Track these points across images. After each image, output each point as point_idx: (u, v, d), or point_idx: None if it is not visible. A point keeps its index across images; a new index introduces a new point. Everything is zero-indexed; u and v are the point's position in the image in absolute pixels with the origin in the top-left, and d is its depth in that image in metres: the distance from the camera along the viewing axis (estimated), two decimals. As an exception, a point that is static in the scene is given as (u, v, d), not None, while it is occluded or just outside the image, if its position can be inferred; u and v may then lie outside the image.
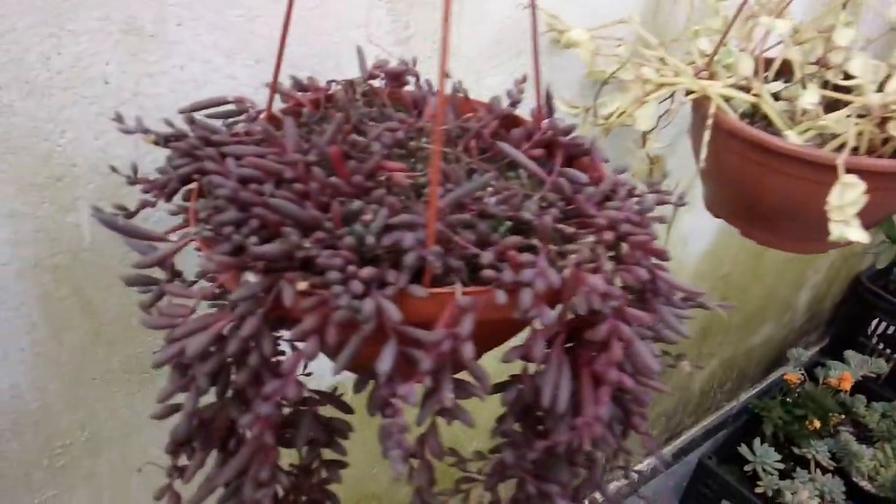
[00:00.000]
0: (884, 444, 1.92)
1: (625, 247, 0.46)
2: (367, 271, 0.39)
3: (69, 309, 0.71)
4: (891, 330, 2.24)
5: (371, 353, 0.39)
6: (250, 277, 0.41)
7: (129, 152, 0.66)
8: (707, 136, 0.76)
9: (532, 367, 0.46)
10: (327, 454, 0.51)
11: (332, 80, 0.62)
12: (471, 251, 0.42)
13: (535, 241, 0.44)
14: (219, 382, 0.43)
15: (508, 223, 0.47)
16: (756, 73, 0.81)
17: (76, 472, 0.82)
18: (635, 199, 0.49)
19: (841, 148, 0.71)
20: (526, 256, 0.41)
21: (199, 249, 0.46)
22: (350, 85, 0.61)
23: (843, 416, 1.96)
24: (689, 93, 0.81)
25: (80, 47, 0.60)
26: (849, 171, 0.67)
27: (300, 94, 0.61)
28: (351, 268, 0.39)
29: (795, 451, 1.92)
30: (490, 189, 0.47)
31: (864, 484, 1.88)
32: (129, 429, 0.83)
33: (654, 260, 0.46)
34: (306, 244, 0.40)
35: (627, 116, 0.82)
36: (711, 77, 0.83)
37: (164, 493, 0.51)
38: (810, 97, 0.77)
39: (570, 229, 0.46)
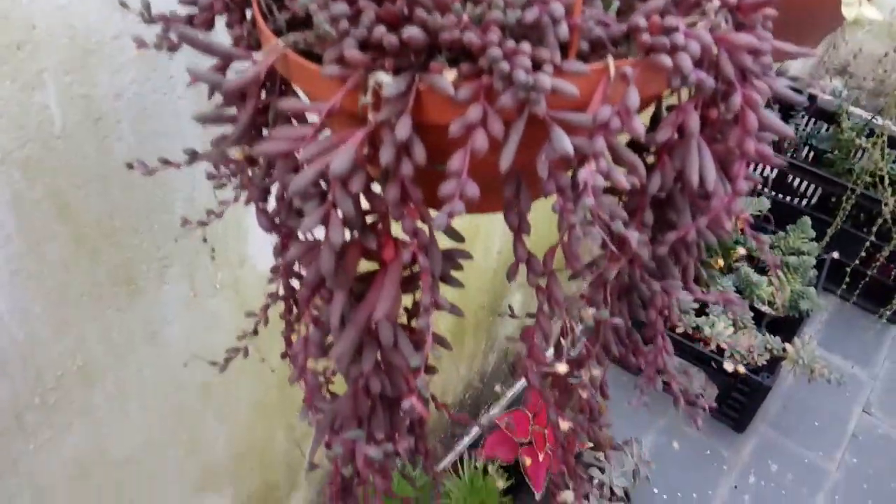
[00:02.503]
0: (776, 271, 2.13)
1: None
2: (527, 47, 0.35)
3: (46, 214, 0.60)
4: (767, 171, 2.45)
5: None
6: (383, 78, 0.35)
7: (99, 3, 0.55)
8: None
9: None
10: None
11: None
12: (615, 26, 0.39)
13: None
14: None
15: (617, 2, 0.43)
16: None
17: (71, 408, 0.72)
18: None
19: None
20: (670, 20, 0.39)
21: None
22: None
23: (741, 253, 2.14)
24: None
25: None
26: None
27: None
28: (510, 43, 0.35)
29: (705, 291, 2.09)
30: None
31: (765, 309, 2.09)
32: (121, 350, 0.74)
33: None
34: (446, 23, 0.35)
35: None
36: None
37: (298, 346, 0.45)
38: None
39: None
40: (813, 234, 2.14)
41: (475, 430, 1.79)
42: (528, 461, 1.50)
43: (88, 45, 0.56)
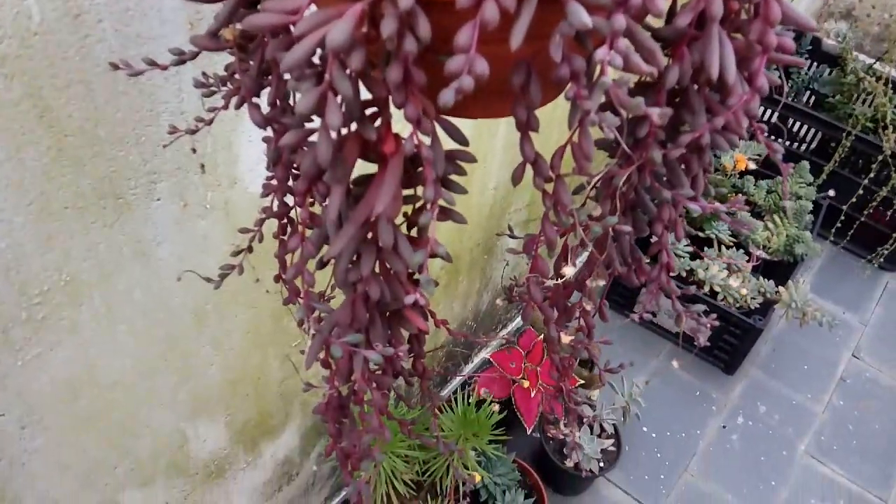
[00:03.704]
0: (772, 215, 2.12)
1: None
2: None
3: (25, 117, 0.57)
4: (767, 115, 2.42)
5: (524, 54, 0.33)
6: (385, -56, 0.32)
7: None
8: None
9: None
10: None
11: None
12: None
13: None
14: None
15: None
16: None
17: (58, 325, 0.70)
18: None
19: None
20: None
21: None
22: None
23: (737, 196, 2.13)
24: None
25: None
26: None
27: None
28: None
29: (700, 235, 2.08)
30: None
31: (760, 253, 2.08)
32: (109, 267, 0.72)
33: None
34: None
35: None
36: None
37: (291, 244, 0.43)
38: None
39: None
40: (811, 178, 2.12)
41: (468, 368, 1.80)
42: (520, 395, 1.51)
43: (66, -69, 0.52)
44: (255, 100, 0.45)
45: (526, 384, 1.50)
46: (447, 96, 0.31)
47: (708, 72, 0.39)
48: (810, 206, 2.06)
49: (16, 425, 0.73)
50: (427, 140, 0.38)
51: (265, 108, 0.45)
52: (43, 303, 0.67)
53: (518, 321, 1.95)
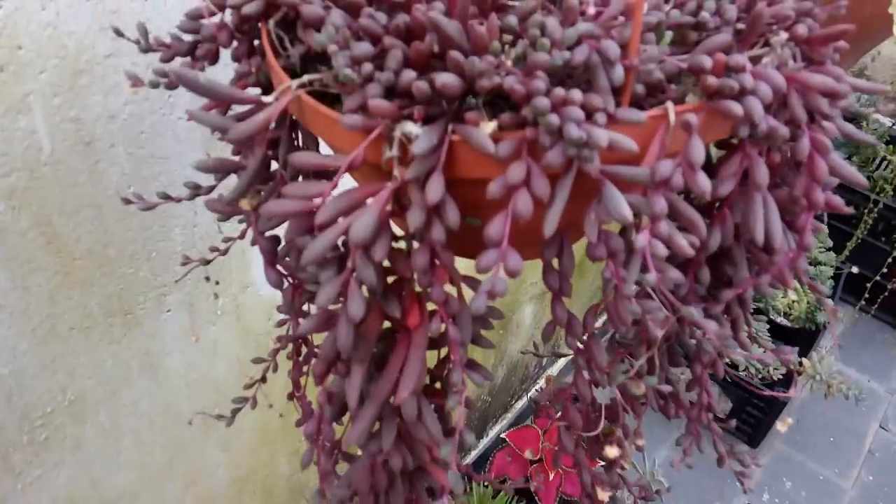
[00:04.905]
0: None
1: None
2: (577, 95, 0.30)
3: (32, 245, 0.55)
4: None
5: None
6: (412, 129, 0.30)
7: (87, 23, 0.50)
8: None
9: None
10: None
11: None
12: (671, 62, 0.34)
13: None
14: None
15: (669, 32, 0.38)
16: None
17: (62, 445, 0.68)
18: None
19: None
20: (736, 59, 0.34)
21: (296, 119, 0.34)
22: None
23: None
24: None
25: None
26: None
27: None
28: (558, 91, 0.30)
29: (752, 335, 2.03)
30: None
31: (781, 320, 2.03)
32: (116, 384, 0.69)
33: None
34: (484, 68, 0.30)
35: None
36: None
37: (312, 431, 0.40)
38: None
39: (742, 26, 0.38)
40: (830, 243, 2.08)
41: (481, 445, 1.74)
42: (538, 480, 1.46)
43: (79, 65, 0.51)
44: (269, 257, 0.42)
45: (543, 467, 1.45)
46: (479, 304, 0.28)
47: (752, 236, 0.37)
48: (831, 273, 2.02)
49: (14, 548, 0.69)
50: (454, 300, 0.35)
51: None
52: (46, 424, 0.65)
53: (530, 394, 1.90)
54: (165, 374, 0.74)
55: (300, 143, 0.44)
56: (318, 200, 0.31)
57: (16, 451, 0.63)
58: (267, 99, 0.33)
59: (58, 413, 0.65)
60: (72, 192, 0.56)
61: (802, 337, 2.00)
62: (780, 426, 0.55)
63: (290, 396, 0.58)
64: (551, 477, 1.46)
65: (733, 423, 0.59)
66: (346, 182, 0.33)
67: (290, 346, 0.55)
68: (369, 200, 0.31)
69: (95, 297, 0.62)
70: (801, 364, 1.99)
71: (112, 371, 0.68)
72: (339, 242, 0.32)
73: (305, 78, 0.32)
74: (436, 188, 0.29)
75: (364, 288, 0.31)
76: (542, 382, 1.95)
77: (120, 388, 0.70)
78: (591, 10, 0.31)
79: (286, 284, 0.43)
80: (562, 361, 2.02)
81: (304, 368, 0.56)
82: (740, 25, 0.38)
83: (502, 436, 1.58)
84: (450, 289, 0.35)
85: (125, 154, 0.58)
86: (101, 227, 0.59)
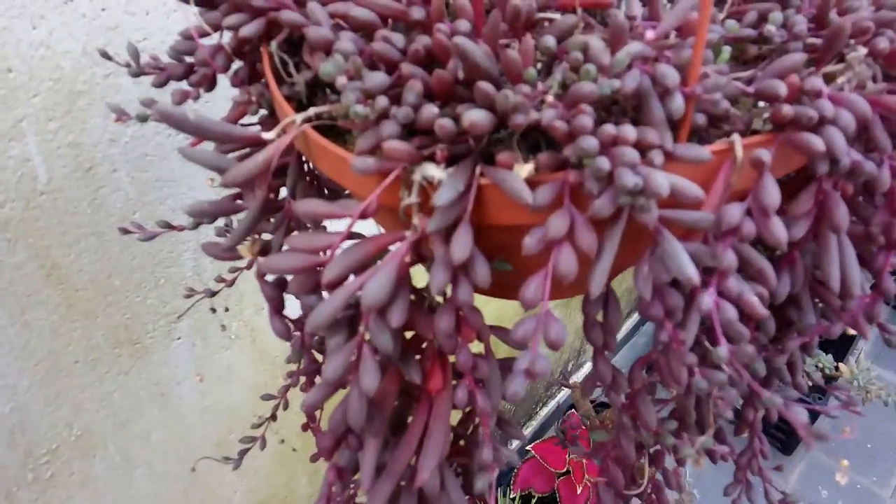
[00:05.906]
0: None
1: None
2: (630, 132, 0.25)
3: (31, 278, 0.52)
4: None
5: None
6: (434, 172, 0.26)
7: (83, 41, 0.47)
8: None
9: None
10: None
11: None
12: (733, 86, 0.29)
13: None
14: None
15: (727, 48, 0.33)
16: None
17: (69, 481, 0.64)
18: None
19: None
20: (813, 82, 0.29)
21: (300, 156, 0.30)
22: None
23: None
24: None
25: None
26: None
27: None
28: (608, 129, 0.25)
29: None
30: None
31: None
32: (125, 415, 0.66)
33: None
34: (519, 101, 0.25)
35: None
36: None
37: None
38: None
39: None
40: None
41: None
42: (565, 491, 1.41)
43: (76, 87, 0.48)
44: (276, 303, 0.38)
45: (570, 480, 1.41)
46: (516, 387, 0.24)
47: (827, 284, 0.32)
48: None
49: (22, 587, 0.67)
50: (482, 364, 0.31)
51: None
52: (51, 461, 0.62)
53: (557, 400, 1.85)
54: (177, 403, 0.71)
55: (310, 168, 0.40)
56: (326, 253, 0.27)
57: (20, 490, 0.60)
58: (268, 136, 0.29)
59: (64, 448, 0.62)
60: (72, 221, 0.52)
61: (837, 341, 1.93)
62: (840, 478, 0.50)
63: (305, 428, 0.55)
64: (579, 490, 1.42)
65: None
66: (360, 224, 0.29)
67: (304, 378, 0.51)
68: (386, 259, 0.26)
69: (101, 328, 0.59)
70: (837, 369, 1.92)
71: (120, 403, 0.65)
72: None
73: (312, 111, 0.28)
74: (463, 245, 0.25)
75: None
76: (565, 393, 1.90)
77: (130, 419, 0.67)
78: (651, 35, 0.26)
79: (295, 334, 0.39)
80: (587, 365, 1.97)
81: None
82: (811, 39, 0.33)
83: (527, 448, 1.53)
84: (476, 346, 0.31)
85: (128, 179, 0.54)
86: (105, 255, 0.56)
